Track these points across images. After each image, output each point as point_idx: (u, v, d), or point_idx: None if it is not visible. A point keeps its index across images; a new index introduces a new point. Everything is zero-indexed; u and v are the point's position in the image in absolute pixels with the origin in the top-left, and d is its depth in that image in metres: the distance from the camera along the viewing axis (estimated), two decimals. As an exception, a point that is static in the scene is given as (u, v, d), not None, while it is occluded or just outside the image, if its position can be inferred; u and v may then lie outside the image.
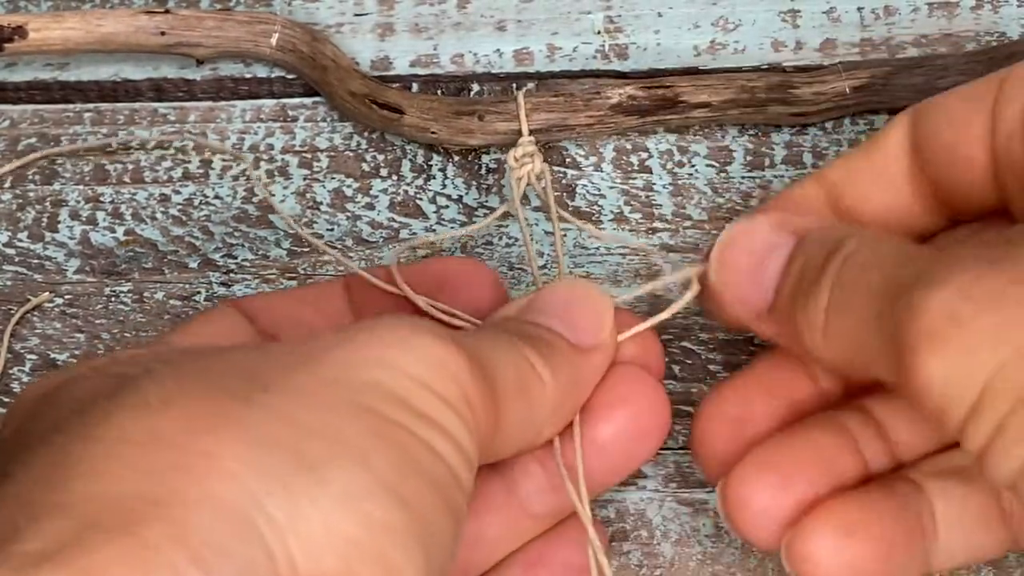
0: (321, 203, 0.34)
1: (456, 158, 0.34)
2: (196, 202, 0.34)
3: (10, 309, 0.33)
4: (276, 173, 0.34)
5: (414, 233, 0.33)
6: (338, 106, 0.35)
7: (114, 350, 0.25)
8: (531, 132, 0.32)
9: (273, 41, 0.35)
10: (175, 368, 0.20)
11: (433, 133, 0.33)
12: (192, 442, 0.18)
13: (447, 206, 0.34)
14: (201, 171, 0.35)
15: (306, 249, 0.33)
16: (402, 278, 0.27)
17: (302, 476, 0.18)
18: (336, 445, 0.19)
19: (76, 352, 0.32)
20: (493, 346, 0.23)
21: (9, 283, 0.34)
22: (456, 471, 0.20)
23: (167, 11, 0.35)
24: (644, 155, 0.34)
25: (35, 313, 0.33)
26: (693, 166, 0.34)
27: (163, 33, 0.35)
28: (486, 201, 0.34)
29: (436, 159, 0.34)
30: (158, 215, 0.34)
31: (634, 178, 0.34)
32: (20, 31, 0.34)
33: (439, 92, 0.35)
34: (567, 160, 0.34)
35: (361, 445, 0.19)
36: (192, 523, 0.17)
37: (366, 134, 0.35)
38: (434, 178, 0.34)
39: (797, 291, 0.24)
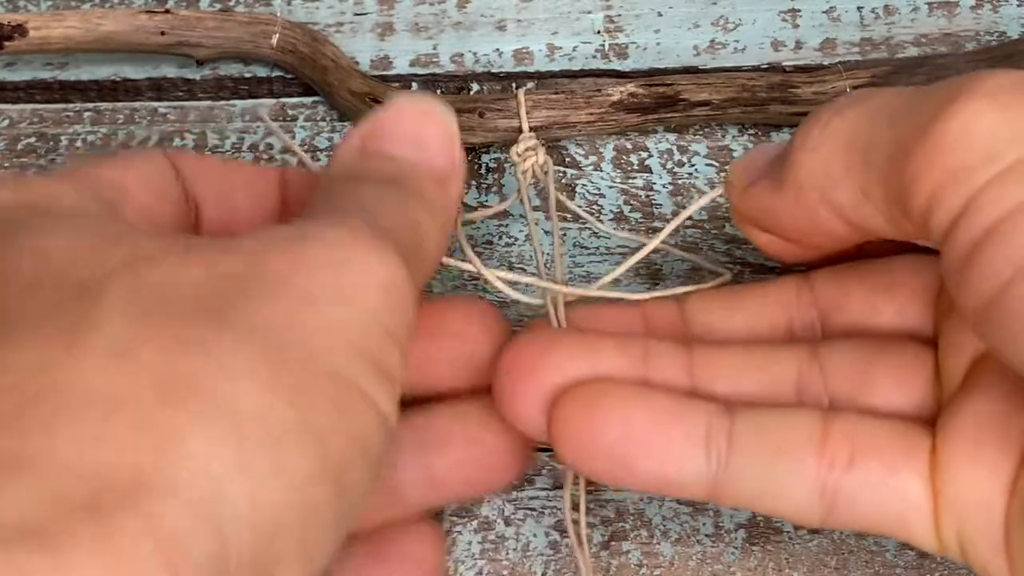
0: (321, 202, 0.34)
1: (456, 157, 0.34)
2: (196, 201, 0.34)
3: (9, 308, 0.33)
4: (276, 172, 0.34)
5: (414, 232, 0.33)
6: (338, 106, 0.35)
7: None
8: (531, 129, 0.32)
9: (273, 42, 0.35)
10: (135, 294, 0.18)
11: (433, 132, 0.33)
12: (159, 415, 0.17)
13: (447, 205, 0.34)
14: (201, 170, 0.35)
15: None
16: None
17: (264, 456, 0.17)
18: (298, 422, 0.18)
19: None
20: (405, 225, 0.22)
21: (8, 282, 0.34)
22: (390, 420, 0.20)
23: (167, 11, 0.35)
24: (644, 154, 0.34)
25: (34, 312, 0.33)
26: (693, 165, 0.34)
27: (163, 33, 0.35)
28: (486, 201, 0.34)
29: (436, 158, 0.34)
30: (157, 214, 0.34)
31: (634, 177, 0.34)
32: (20, 29, 0.34)
33: (439, 91, 0.35)
34: (567, 159, 0.34)
35: (320, 422, 0.18)
36: (161, 517, 0.16)
37: (366, 133, 0.35)
38: (434, 177, 0.34)
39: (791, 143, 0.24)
